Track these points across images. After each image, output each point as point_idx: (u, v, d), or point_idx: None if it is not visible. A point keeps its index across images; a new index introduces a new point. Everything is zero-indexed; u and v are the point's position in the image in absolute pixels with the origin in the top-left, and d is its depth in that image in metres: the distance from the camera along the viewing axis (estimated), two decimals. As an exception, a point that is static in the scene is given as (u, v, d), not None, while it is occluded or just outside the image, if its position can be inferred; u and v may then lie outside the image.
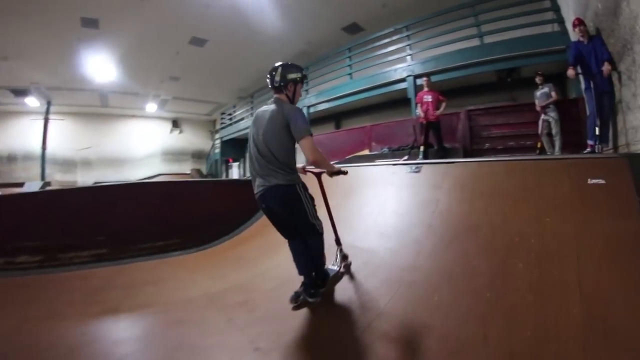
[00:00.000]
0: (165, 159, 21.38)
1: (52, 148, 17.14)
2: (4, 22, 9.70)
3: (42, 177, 16.04)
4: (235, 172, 18.69)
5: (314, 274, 2.86)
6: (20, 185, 13.80)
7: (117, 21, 10.01)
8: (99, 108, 18.30)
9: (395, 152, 8.55)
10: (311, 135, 2.61)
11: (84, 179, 18.54)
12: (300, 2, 9.74)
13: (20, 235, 3.97)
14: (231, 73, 14.33)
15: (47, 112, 16.49)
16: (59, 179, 17.45)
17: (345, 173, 2.88)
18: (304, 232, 2.80)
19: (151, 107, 18.75)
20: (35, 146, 16.78)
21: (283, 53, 11.62)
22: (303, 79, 2.86)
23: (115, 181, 16.09)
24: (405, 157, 7.29)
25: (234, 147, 17.97)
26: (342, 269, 3.21)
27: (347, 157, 9.13)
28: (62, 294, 3.36)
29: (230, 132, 17.57)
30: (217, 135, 20.64)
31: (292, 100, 2.81)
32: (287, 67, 2.77)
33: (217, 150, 19.37)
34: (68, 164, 18.57)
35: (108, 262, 4.02)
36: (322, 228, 2.86)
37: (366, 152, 9.66)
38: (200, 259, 4.38)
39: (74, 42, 11.02)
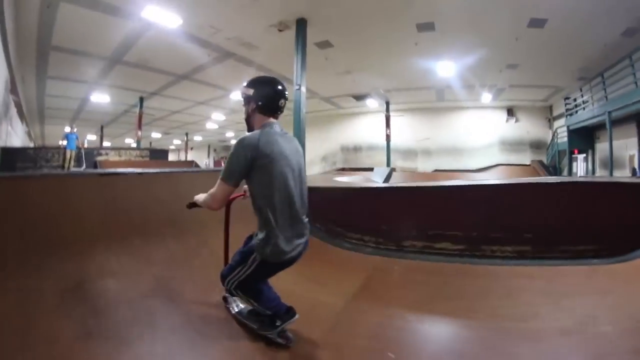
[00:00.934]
0: (502, 148, 20.21)
1: (394, 139, 19.80)
2: (348, 45, 11.39)
3: (388, 163, 18.80)
4: (581, 167, 15.71)
5: None
6: (370, 169, 16.90)
7: (453, 20, 9.88)
8: (434, 102, 19.25)
9: None
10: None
11: (424, 166, 20.62)
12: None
13: (442, 223, 4.12)
14: (571, 51, 11.80)
15: (387, 110, 19.19)
16: (400, 164, 19.95)
17: None
18: None
19: (486, 97, 17.82)
20: (376, 138, 20.33)
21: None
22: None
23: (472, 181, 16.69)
24: None
25: (580, 137, 15.12)
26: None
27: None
28: (477, 286, 3.24)
29: (579, 120, 14.62)
30: (557, 124, 17.88)
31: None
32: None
33: (561, 140, 16.78)
34: (409, 153, 20.92)
35: (529, 261, 3.74)
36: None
37: None
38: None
39: (410, 47, 11.61)
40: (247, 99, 2.20)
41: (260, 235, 2.02)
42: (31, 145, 23.20)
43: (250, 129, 2.19)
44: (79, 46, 10.69)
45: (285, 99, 2.22)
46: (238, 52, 11.65)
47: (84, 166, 11.98)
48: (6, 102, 9.94)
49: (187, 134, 30.66)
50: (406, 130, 20.64)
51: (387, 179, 14.80)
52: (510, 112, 19.97)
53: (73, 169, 11.11)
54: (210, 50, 11.51)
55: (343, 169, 20.49)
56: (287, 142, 2.13)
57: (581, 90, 14.48)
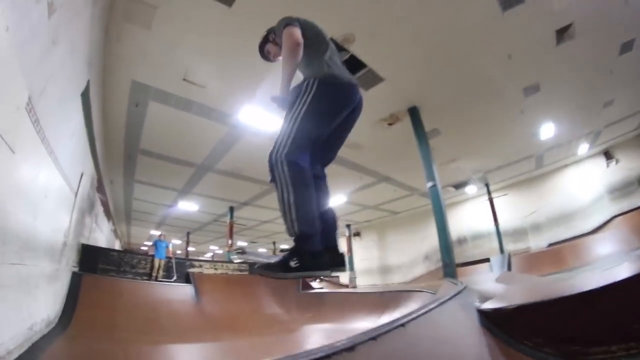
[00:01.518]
0: (612, 197, 16.83)
1: (499, 222, 17.83)
2: (455, 130, 10.65)
3: (501, 249, 16.74)
4: None
5: None
6: (484, 261, 15.51)
7: (556, 73, 8.93)
8: (533, 171, 17.62)
9: None
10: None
11: (536, 243, 17.88)
12: None
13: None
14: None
15: (489, 192, 17.62)
16: (511, 248, 17.66)
17: None
18: None
19: (583, 148, 15.96)
20: (480, 225, 18.45)
21: None
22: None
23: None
24: None
25: None
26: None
27: None
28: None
29: None
30: None
31: None
32: None
33: None
34: (518, 233, 18.50)
35: None
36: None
37: None
38: None
39: (517, 116, 10.65)
40: None
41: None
42: (117, 243, 23.74)
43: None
44: (168, 151, 10.60)
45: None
46: (343, 154, 10.88)
47: (175, 277, 11.16)
48: (91, 200, 9.82)
49: (274, 243, 30.68)
50: (510, 209, 18.62)
51: (509, 267, 13.36)
52: (608, 154, 17.23)
53: (161, 279, 10.51)
54: None
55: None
56: None
57: None
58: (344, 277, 24.35)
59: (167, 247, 11.46)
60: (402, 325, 2.08)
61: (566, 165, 17.99)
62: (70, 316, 6.31)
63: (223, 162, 11.26)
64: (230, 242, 17.08)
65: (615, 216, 15.79)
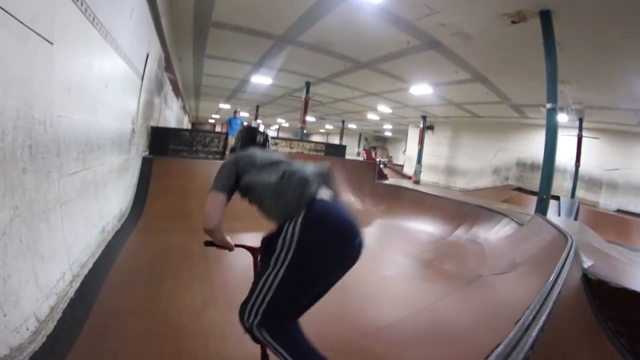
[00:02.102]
0: None
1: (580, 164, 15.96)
2: (579, 49, 8.82)
3: (573, 193, 15.40)
4: None
5: None
6: (555, 197, 14.03)
7: None
8: (632, 127, 15.02)
9: None
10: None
11: (606, 202, 16.31)
12: None
13: None
14: None
15: (580, 129, 15.32)
16: (581, 195, 16.27)
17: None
18: None
19: None
20: (558, 158, 15.92)
21: None
22: None
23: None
24: None
25: None
26: None
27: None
28: None
29: None
30: None
31: None
32: None
33: None
34: (592, 183, 16.81)
35: None
36: None
37: None
38: None
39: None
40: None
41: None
42: (185, 118, 24.19)
43: None
44: (245, 22, 9.65)
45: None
46: (446, 42, 9.50)
47: None
48: (160, 80, 9.73)
49: (343, 122, 30.04)
50: (594, 155, 16.44)
51: (576, 217, 12.43)
52: None
53: None
54: (412, 37, 9.47)
55: (519, 189, 17.60)
56: None
57: None
58: (408, 168, 23.90)
59: (242, 124, 10.95)
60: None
61: None
62: (142, 205, 6.39)
63: (308, 35, 10.10)
64: (303, 117, 16.75)
65: None
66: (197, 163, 8.77)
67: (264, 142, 2.39)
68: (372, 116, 24.07)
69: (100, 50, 3.71)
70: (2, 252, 1.91)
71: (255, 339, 1.58)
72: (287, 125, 38.18)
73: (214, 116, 36.71)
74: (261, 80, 15.77)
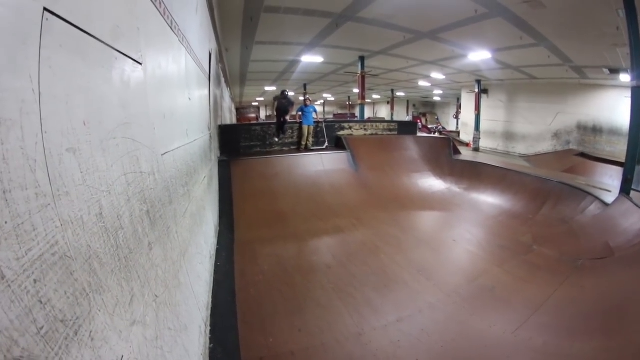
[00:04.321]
0: None
1: None
2: None
3: None
4: None
5: None
6: (621, 164, 12.25)
7: None
8: None
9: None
10: None
11: None
12: None
13: None
14: None
15: None
16: None
17: None
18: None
19: None
20: (621, 120, 14.92)
21: None
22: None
23: None
24: None
25: None
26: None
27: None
28: None
29: None
30: None
31: None
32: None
33: None
34: None
35: None
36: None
37: None
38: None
39: None
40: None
41: None
42: (232, 106, 24.06)
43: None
44: (300, 3, 9.15)
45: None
46: (516, 10, 8.97)
47: (326, 144, 10.53)
48: (218, 74, 9.41)
49: (392, 91, 29.01)
50: None
51: None
52: None
53: (312, 148, 10.05)
54: (481, 6, 8.93)
55: (582, 155, 16.11)
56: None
57: None
58: (465, 135, 23.08)
59: (314, 111, 10.44)
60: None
61: None
62: (230, 214, 6.12)
63: (368, 11, 9.57)
64: (363, 94, 16.09)
65: None
66: (276, 160, 8.51)
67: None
68: (423, 83, 23.14)
69: (180, 57, 3.12)
70: (160, 352, 1.51)
71: None
72: (333, 99, 37.38)
73: (257, 99, 36.52)
74: (312, 59, 15.18)
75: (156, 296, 1.61)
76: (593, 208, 6.66)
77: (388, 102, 32.95)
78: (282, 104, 9.56)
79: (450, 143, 11.21)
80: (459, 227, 6.48)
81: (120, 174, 1.40)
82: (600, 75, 14.26)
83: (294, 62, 16.47)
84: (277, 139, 9.82)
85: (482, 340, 3.19)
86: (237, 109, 39.50)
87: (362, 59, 15.14)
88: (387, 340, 3.10)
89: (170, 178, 2.31)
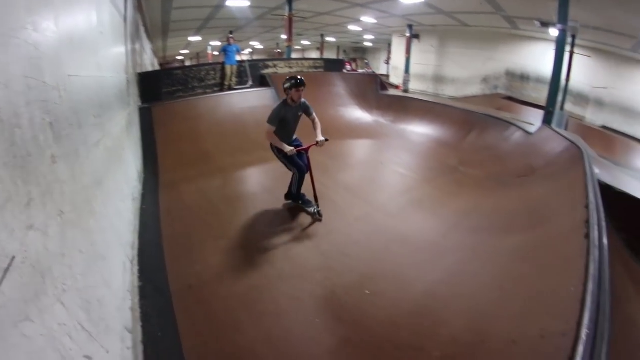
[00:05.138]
0: None
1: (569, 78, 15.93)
2: None
3: (562, 107, 15.02)
4: None
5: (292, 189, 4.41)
6: (542, 108, 14.02)
7: None
8: (626, 51, 15.08)
9: None
10: (269, 124, 4.01)
11: (592, 117, 16.93)
12: None
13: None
14: None
15: (573, 45, 14.96)
16: (568, 108, 16.26)
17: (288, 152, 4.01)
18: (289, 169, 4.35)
19: None
20: (547, 70, 14.78)
21: None
22: (291, 87, 4.13)
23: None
24: None
25: None
26: (315, 211, 4.16)
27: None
28: None
29: None
30: None
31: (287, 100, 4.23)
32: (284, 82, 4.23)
33: None
34: (580, 98, 17.24)
35: None
36: (294, 171, 4.25)
37: None
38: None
39: None
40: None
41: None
42: (155, 61, 22.84)
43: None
44: None
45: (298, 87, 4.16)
46: None
47: (250, 83, 10.28)
48: (136, 22, 8.75)
49: (322, 36, 28.25)
50: (584, 72, 16.67)
51: (565, 128, 12.27)
52: None
53: (236, 87, 9.77)
54: None
55: (509, 98, 17.66)
56: (290, 111, 4.18)
57: None
58: (395, 78, 23.48)
59: (237, 50, 10.16)
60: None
61: None
62: (154, 159, 5.96)
63: None
64: (290, 36, 15.67)
65: None
66: (198, 102, 8.28)
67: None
68: (353, 27, 22.94)
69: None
70: (68, 272, 1.55)
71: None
72: (261, 47, 36.21)
73: (182, 52, 34.47)
74: (238, 2, 14.64)
75: (62, 212, 1.66)
76: (517, 136, 7.38)
77: (318, 49, 32.35)
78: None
79: (377, 79, 11.62)
80: (387, 153, 6.93)
81: (20, 74, 1.42)
82: (531, 27, 15.03)
83: (219, 8, 15.66)
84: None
85: (413, 244, 3.50)
86: (161, 65, 37.12)
87: (290, 0, 14.72)
88: (317, 253, 3.33)
89: (79, 102, 2.30)
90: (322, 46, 29.89)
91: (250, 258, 3.24)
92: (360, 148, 7.44)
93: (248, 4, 14.86)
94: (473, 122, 8.39)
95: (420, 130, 8.64)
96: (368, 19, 19.07)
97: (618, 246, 3.41)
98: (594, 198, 3.16)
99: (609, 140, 14.37)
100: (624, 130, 15.84)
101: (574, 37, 14.75)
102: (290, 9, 14.95)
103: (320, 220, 3.94)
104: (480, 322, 2.37)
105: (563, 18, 7.97)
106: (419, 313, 2.58)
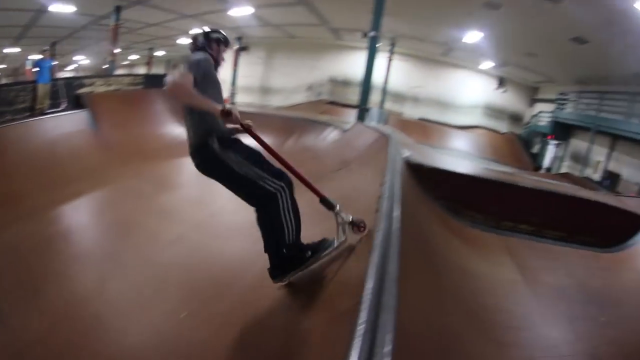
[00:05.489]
0: (485, 112, 21.95)
1: (389, 82, 19.45)
2: None
3: (381, 105, 18.63)
4: (552, 151, 18.59)
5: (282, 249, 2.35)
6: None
7: (518, 9, 11.04)
8: (439, 56, 19.84)
9: None
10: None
11: (411, 112, 21.22)
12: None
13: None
14: (590, 60, 13.55)
15: (391, 52, 18.63)
16: (388, 107, 19.81)
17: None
18: (249, 199, 2.37)
19: (487, 64, 19.51)
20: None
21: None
22: (225, 42, 2.77)
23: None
24: None
25: (559, 127, 17.59)
26: (345, 239, 2.49)
27: None
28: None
29: (566, 117, 17.25)
30: (538, 106, 20.95)
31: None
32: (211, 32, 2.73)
33: (541, 123, 19.64)
34: (399, 97, 21.02)
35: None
36: (276, 189, 2.29)
37: None
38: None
39: (463, 16, 12.55)
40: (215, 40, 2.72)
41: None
42: None
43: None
44: None
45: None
46: None
47: (64, 104, 9.12)
48: None
49: (151, 49, 26.98)
50: (402, 75, 20.74)
51: (385, 123, 14.91)
52: (501, 82, 21.77)
53: (48, 111, 8.68)
54: None
55: (332, 103, 20.05)
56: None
57: (579, 94, 17.10)
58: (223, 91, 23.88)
59: (50, 67, 9.07)
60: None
61: (465, 67, 21.28)
62: None
63: None
64: (112, 48, 14.86)
65: (480, 127, 21.30)
66: (4, 131, 7.11)
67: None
68: (183, 41, 22.27)
69: None
70: None
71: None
72: (88, 62, 32.99)
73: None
74: (62, 8, 13.51)
75: None
76: (333, 135, 8.01)
77: (147, 64, 30.45)
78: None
79: None
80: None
81: None
82: (354, 38, 16.81)
83: (41, 13, 14.12)
84: None
85: (222, 258, 3.52)
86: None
87: (118, 8, 13.94)
88: (130, 284, 3.12)
89: None
90: (150, 60, 28.23)
91: (60, 306, 2.87)
92: (179, 167, 6.86)
93: (74, 9, 13.86)
94: (292, 128, 8.89)
95: (243, 141, 8.90)
96: (198, 32, 19.05)
97: (437, 211, 4.13)
98: (390, 176, 3.40)
99: (426, 128, 18.19)
100: (438, 119, 20.69)
101: (393, 45, 18.27)
102: (117, 19, 14.24)
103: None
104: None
105: (375, 26, 9.32)
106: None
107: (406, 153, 4.64)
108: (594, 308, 2.93)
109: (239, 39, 20.84)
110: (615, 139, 13.95)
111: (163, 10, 14.97)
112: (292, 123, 9.19)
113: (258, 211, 2.36)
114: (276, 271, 2.39)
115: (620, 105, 13.55)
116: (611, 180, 13.57)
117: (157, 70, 31.46)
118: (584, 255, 3.97)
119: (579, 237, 4.14)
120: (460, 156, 14.97)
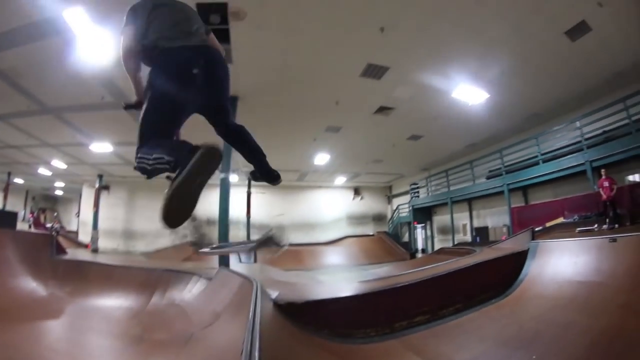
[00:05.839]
0: (349, 222, 24.64)
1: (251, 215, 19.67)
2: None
3: (248, 237, 18.67)
4: (420, 233, 21.43)
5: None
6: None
7: (359, 125, 12.74)
8: (294, 182, 21.77)
9: (586, 220, 10.21)
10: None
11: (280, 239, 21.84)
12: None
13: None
14: (426, 155, 17.34)
15: (249, 186, 19.21)
16: (255, 239, 19.92)
17: None
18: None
19: (340, 180, 22.47)
20: (233, 213, 17.01)
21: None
22: None
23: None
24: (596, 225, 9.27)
25: (420, 212, 20.31)
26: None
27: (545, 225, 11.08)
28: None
29: (422, 202, 19.94)
30: (395, 201, 24.28)
31: None
32: None
33: (402, 215, 22.32)
34: (263, 228, 20.64)
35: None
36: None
37: (560, 220, 11.45)
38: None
39: (308, 141, 14.36)
40: None
41: None
42: None
43: None
44: None
45: None
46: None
47: None
48: None
49: (9, 174, 22.43)
50: (263, 206, 21.83)
51: (255, 259, 14.61)
52: (357, 191, 25.26)
53: None
54: (108, 94, 9.45)
55: (196, 244, 19.38)
56: None
57: (427, 179, 19.83)
58: (84, 235, 21.67)
59: None
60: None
61: (321, 187, 24.06)
62: None
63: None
64: None
65: (348, 236, 23.13)
66: None
67: None
68: (44, 171, 20.63)
69: None
70: None
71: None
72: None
73: None
74: None
75: None
76: (199, 285, 7.31)
77: (4, 190, 26.65)
78: None
79: (52, 240, 10.05)
80: (61, 338, 5.25)
81: None
82: (213, 176, 17.22)
83: None
84: None
85: None
86: None
87: None
88: None
89: None
90: (6, 188, 23.15)
91: None
92: (33, 335, 5.15)
93: None
94: (156, 280, 8.17)
95: (102, 303, 7.58)
96: (59, 163, 17.99)
97: (320, 343, 3.93)
98: (252, 316, 3.01)
99: (297, 253, 17.95)
100: (305, 241, 20.98)
101: (249, 179, 18.52)
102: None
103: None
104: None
105: (226, 169, 10.21)
106: None
107: (274, 294, 4.62)
108: (523, 353, 3.17)
109: (100, 176, 19.83)
110: (470, 200, 16.69)
111: (25, 133, 13.52)
112: (154, 275, 8.43)
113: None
114: None
115: (464, 174, 16.33)
116: (481, 234, 15.54)
117: (15, 200, 26.80)
118: (488, 312, 4.24)
119: (477, 299, 4.40)
120: (336, 270, 15.82)
